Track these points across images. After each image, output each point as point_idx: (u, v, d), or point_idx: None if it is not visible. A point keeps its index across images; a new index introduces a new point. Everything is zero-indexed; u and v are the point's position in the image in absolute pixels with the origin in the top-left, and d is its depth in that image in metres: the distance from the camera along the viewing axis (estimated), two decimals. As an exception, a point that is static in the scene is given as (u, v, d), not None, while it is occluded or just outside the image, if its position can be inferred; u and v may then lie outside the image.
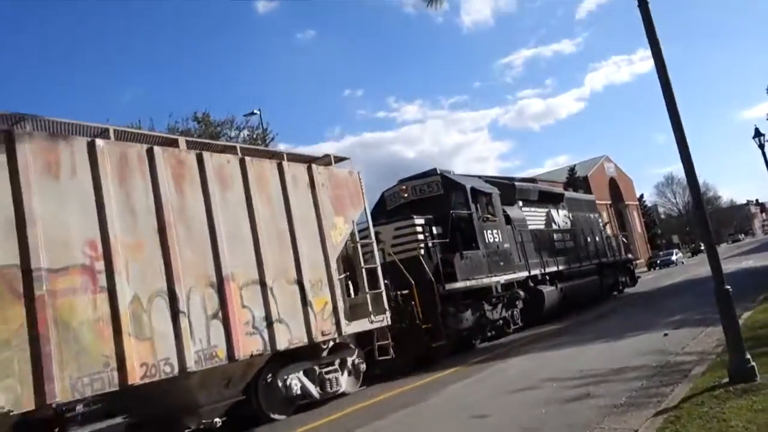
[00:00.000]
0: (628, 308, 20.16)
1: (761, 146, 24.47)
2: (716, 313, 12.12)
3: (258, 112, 31.09)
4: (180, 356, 8.13)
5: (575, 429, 6.33)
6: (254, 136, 32.96)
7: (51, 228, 7.20)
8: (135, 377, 7.54)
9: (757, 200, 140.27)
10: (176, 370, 8.09)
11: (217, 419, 9.03)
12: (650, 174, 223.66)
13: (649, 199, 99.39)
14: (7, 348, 6.50)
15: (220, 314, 8.84)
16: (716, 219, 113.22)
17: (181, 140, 9.39)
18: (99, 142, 8.08)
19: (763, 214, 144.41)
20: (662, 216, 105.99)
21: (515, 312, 17.44)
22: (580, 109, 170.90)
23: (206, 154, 9.42)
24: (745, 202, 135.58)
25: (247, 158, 10.13)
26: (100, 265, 7.58)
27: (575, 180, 60.05)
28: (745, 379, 6.61)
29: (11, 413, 6.42)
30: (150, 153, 8.62)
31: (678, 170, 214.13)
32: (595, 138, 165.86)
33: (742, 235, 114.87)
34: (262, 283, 9.65)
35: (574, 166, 68.23)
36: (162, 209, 8.49)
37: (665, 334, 11.96)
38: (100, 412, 11.86)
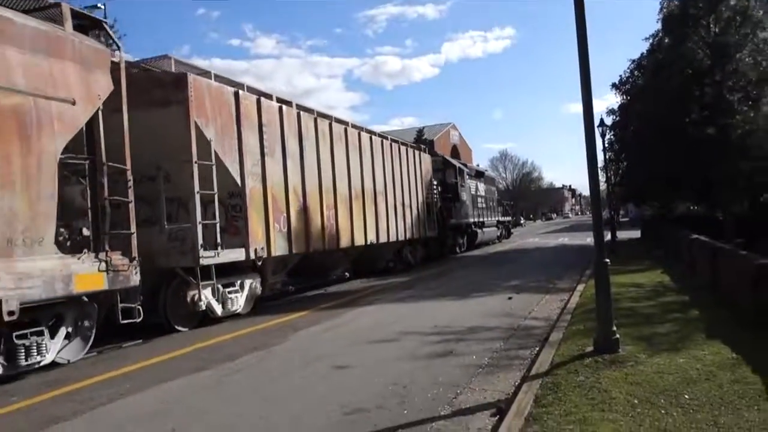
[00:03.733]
0: (466, 269, 21.44)
1: (603, 135, 28.40)
2: (549, 281, 15.32)
3: (102, 7, 26.79)
4: (399, 232, 20.03)
5: (445, 387, 6.24)
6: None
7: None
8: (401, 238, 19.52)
9: (570, 186, 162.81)
10: (407, 238, 20.25)
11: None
12: (484, 148, 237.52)
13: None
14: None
15: (401, 217, 20.56)
16: (536, 198, 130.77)
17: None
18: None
19: (573, 199, 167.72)
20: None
21: (464, 240, 30.48)
22: (434, 74, 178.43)
23: (413, 150, 21.41)
24: (560, 186, 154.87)
25: (409, 149, 21.93)
26: (391, 188, 19.19)
27: (422, 142, 59.48)
28: (609, 349, 6.89)
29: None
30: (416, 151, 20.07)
31: (511, 148, 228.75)
32: (442, 105, 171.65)
33: (554, 214, 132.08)
34: (405, 205, 21.19)
35: (422, 128, 70.87)
36: (402, 169, 20.04)
37: (509, 298, 12.49)
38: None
